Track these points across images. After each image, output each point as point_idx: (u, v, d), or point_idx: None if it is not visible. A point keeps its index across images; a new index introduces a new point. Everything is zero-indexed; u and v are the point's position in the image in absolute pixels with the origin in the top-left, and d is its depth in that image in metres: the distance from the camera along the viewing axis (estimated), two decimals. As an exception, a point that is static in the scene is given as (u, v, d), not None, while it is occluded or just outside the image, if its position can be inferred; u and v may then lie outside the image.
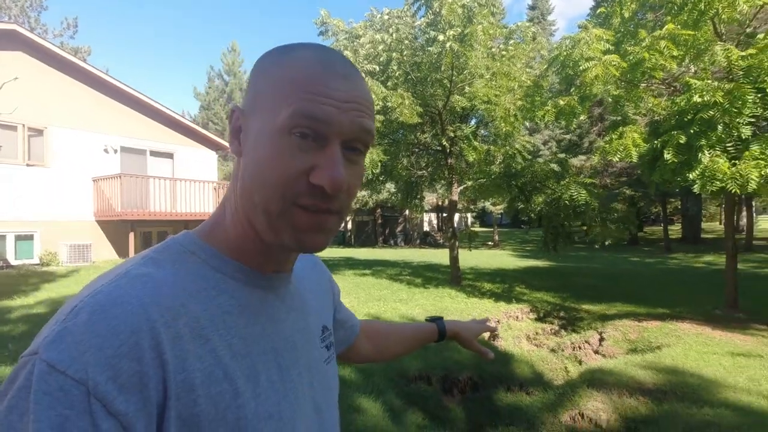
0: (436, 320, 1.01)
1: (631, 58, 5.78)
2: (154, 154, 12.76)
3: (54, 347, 0.38)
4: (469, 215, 31.12)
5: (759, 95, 5.03)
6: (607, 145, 6.22)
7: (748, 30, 6.13)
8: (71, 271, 9.43)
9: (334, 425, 0.61)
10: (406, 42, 7.72)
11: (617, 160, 6.21)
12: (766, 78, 4.86)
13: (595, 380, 4.09)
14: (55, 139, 10.65)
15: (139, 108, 12.34)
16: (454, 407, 4.14)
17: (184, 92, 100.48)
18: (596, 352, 5.74)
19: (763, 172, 4.85)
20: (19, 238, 10.18)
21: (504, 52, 8.03)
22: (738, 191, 4.95)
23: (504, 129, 7.44)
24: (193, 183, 12.22)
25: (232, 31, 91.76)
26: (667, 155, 5.33)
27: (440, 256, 15.52)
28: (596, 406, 3.77)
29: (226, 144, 15.25)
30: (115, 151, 11.78)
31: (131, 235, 10.88)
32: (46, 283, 8.13)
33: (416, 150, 9.72)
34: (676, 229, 25.84)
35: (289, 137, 0.45)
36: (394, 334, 0.96)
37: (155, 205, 11.29)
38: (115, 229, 11.46)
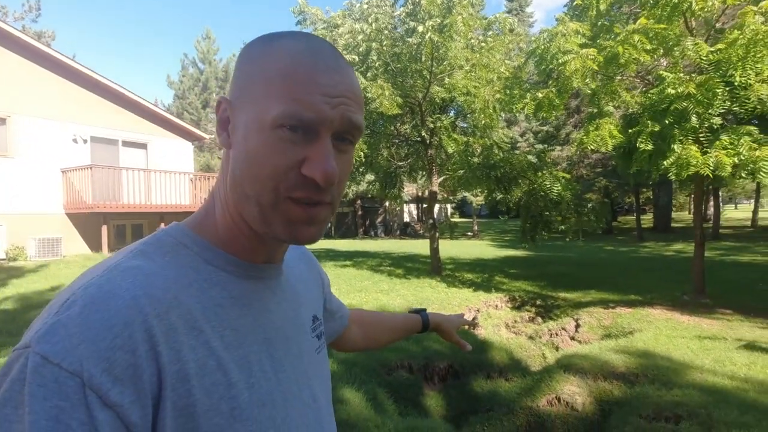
0: (420, 312, 1.04)
1: (606, 52, 5.89)
2: (126, 144, 12.36)
3: (47, 340, 0.38)
4: (448, 206, 31.39)
5: (728, 88, 5.22)
6: (585, 137, 6.35)
7: (717, 26, 6.31)
8: (40, 266, 9.10)
9: (329, 413, 0.62)
10: (386, 32, 7.66)
11: (594, 149, 6.35)
12: (734, 72, 5.03)
13: (571, 365, 4.21)
14: (19, 129, 10.18)
15: (110, 96, 11.90)
16: (435, 395, 4.20)
17: (157, 81, 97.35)
18: (572, 338, 5.91)
19: (732, 161, 5.05)
20: (-17, 232, 9.75)
21: (483, 44, 8.06)
22: (711, 175, 5.14)
23: (483, 120, 7.49)
24: (168, 174, 11.90)
25: (207, 17, 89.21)
26: (641, 144, 5.48)
27: (420, 247, 15.62)
28: (572, 390, 3.89)
29: (202, 134, 14.91)
30: (85, 141, 11.35)
31: (104, 228, 10.55)
32: (13, 279, 7.83)
33: (396, 141, 9.71)
34: (647, 219, 26.70)
35: (280, 130, 0.45)
36: (382, 324, 0.98)
37: (129, 197, 10.97)
38: (87, 222, 11.09)
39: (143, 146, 12.81)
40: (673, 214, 27.00)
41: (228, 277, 0.50)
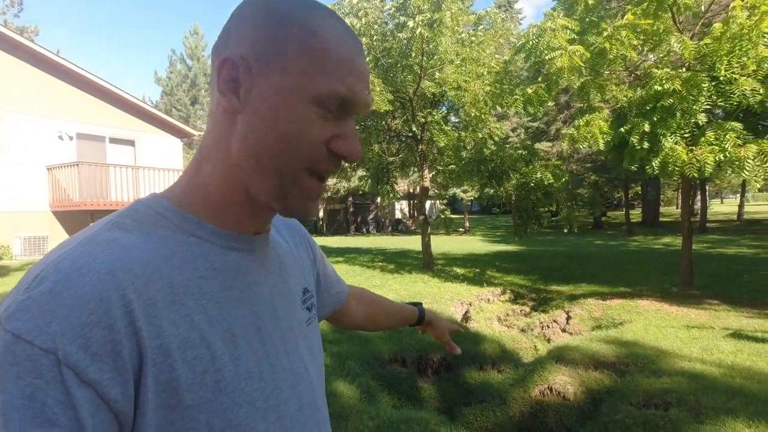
0: (417, 305, 1.04)
1: (594, 48, 5.93)
2: (113, 141, 12.18)
3: (18, 317, 0.37)
4: (437, 202, 31.47)
5: (713, 84, 5.28)
6: (575, 132, 6.39)
7: (704, 20, 6.38)
8: (26, 265, 8.95)
9: (321, 385, 0.62)
10: (376, 27, 7.63)
11: (586, 146, 6.40)
12: (719, 67, 5.10)
13: (563, 356, 4.26)
14: (2, 125, 9.98)
15: (96, 92, 11.70)
16: (428, 387, 4.22)
17: (145, 77, 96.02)
18: (564, 330, 5.97)
19: (716, 158, 5.12)
20: (-34, 231, 9.55)
21: (473, 38, 8.06)
22: (696, 175, 5.21)
23: (473, 114, 7.50)
24: (157, 171, 11.76)
25: (195, 13, 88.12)
26: (634, 141, 5.53)
27: (412, 243, 15.64)
28: (564, 380, 3.93)
29: (191, 131, 14.73)
30: (71, 138, 11.16)
31: (92, 227, 10.39)
32: (-2, 278, 7.69)
33: (387, 136, 9.69)
34: (636, 213, 27.04)
35: (317, 107, 0.45)
36: (383, 306, 0.98)
37: (117, 195, 10.82)
38: (74, 220, 10.92)
39: (131, 143, 12.64)
40: (661, 209, 27.36)
41: (211, 248, 0.49)
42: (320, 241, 19.10)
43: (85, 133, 11.47)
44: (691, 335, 4.57)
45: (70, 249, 0.41)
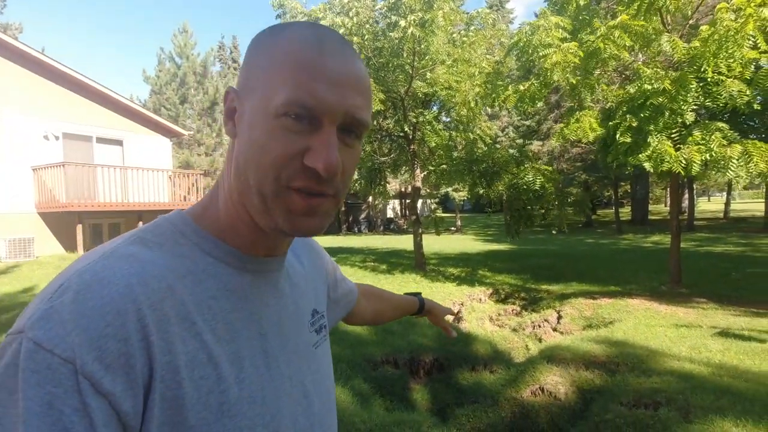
0: (416, 295, 1.10)
1: (587, 47, 5.97)
2: (101, 140, 11.99)
3: (41, 326, 0.38)
4: (430, 201, 31.52)
5: (701, 84, 5.34)
6: (566, 128, 6.44)
7: (691, 21, 6.45)
8: (11, 267, 8.78)
9: (328, 410, 0.60)
10: (367, 26, 7.59)
11: (575, 141, 6.44)
12: (707, 68, 5.15)
13: (554, 356, 4.28)
14: (-13, 125, 9.77)
15: (82, 91, 11.50)
16: (420, 388, 4.21)
17: (133, 76, 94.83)
18: (555, 329, 6.01)
19: (703, 157, 5.19)
20: (-51, 233, 9.34)
21: (465, 38, 8.07)
22: (682, 172, 5.27)
23: (465, 114, 7.51)
24: (145, 171, 11.61)
25: (184, 10, 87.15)
26: (620, 137, 5.58)
27: (404, 242, 15.65)
28: (555, 380, 3.94)
29: (181, 130, 14.58)
30: (57, 138, 10.96)
31: (79, 228, 10.23)
32: (-17, 281, 7.53)
33: (379, 136, 9.66)
34: (626, 212, 27.32)
35: (284, 119, 0.44)
36: (388, 299, 1.02)
37: (104, 196, 10.65)
38: (61, 222, 10.74)
39: (119, 143, 12.45)
40: (650, 207, 27.70)
41: (226, 268, 0.50)
42: (312, 240, 19.02)
43: (71, 133, 11.28)
44: (680, 334, 4.62)
45: (93, 261, 0.43)
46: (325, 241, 18.85)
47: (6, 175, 10.02)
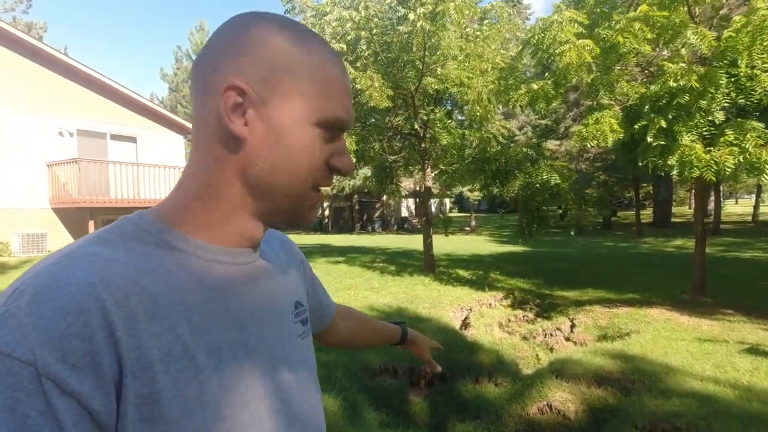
0: (400, 324, 1.06)
1: (604, 42, 5.62)
2: (114, 137, 12.09)
3: None
4: (447, 201, 31.16)
5: (732, 80, 4.96)
6: (584, 130, 6.09)
7: (722, 12, 6.03)
8: (24, 262, 8.88)
9: (313, 401, 0.59)
10: (376, 20, 7.36)
11: (594, 144, 6.09)
12: (740, 61, 4.76)
13: (564, 370, 4.00)
14: (2, 121, 9.91)
15: (97, 89, 11.61)
16: (419, 401, 3.99)
17: (153, 74, 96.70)
18: (567, 339, 5.70)
19: (736, 159, 4.80)
20: (-35, 227, 9.51)
21: (478, 33, 7.77)
22: (714, 179, 4.90)
23: (478, 112, 7.22)
24: (158, 168, 11.65)
25: (201, 9, 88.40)
26: (650, 139, 5.23)
27: (416, 242, 15.37)
28: (564, 396, 3.68)
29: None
30: (71, 135, 11.08)
31: (91, 224, 10.31)
32: (-6, 276, 7.61)
33: (389, 134, 9.44)
34: (647, 214, 26.46)
35: (321, 129, 0.49)
36: (367, 324, 0.99)
37: (117, 192, 10.72)
38: (73, 217, 10.85)
39: (133, 140, 12.54)
40: (674, 209, 26.77)
41: (197, 261, 0.49)
42: (323, 239, 18.94)
43: (85, 130, 11.39)
44: (704, 349, 4.28)
45: (50, 263, 0.42)
46: (337, 239, 18.74)
47: (22, 170, 10.15)
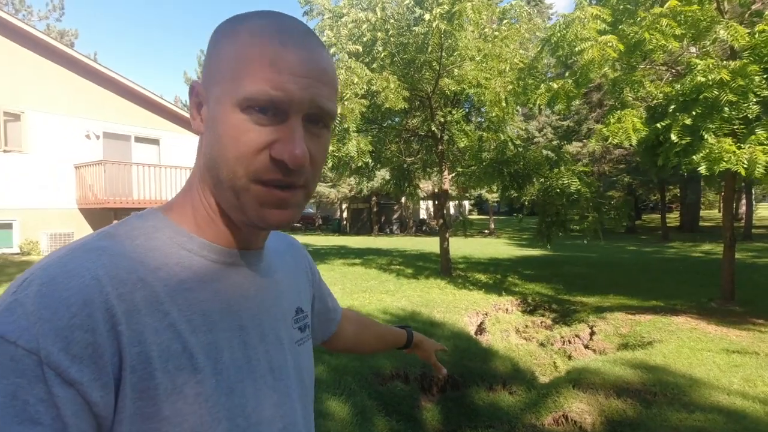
0: (405, 328, 1.04)
1: (629, 38, 5.45)
2: (138, 140, 12.40)
3: (3, 318, 0.38)
4: (466, 203, 30.87)
5: (765, 76, 4.73)
6: (606, 129, 5.92)
7: (754, 7, 5.77)
8: (51, 261, 9.18)
9: (309, 406, 0.60)
10: (392, 21, 7.33)
11: (616, 142, 5.90)
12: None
13: (582, 380, 3.86)
14: (33, 125, 10.28)
15: (123, 93, 11.93)
16: (431, 407, 3.91)
17: (178, 77, 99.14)
18: (586, 346, 5.53)
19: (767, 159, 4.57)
20: (-3, 226, 9.90)
21: (497, 33, 7.65)
22: (743, 173, 4.67)
23: (495, 113, 7.10)
24: (180, 170, 11.89)
25: (224, 14, 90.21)
26: (674, 137, 5.04)
27: (434, 245, 15.26)
28: (581, 408, 3.55)
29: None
30: (98, 137, 11.42)
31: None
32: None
33: (406, 136, 9.38)
34: (674, 217, 25.62)
35: (249, 112, 0.44)
36: (372, 329, 0.98)
37: (139, 193, 10.99)
38: (98, 218, 11.17)
39: (156, 142, 12.84)
40: (702, 213, 25.83)
41: (201, 261, 0.49)
42: (342, 240, 18.99)
43: (111, 132, 11.72)
44: (731, 361, 4.07)
45: (60, 255, 0.43)
46: (355, 241, 18.77)
47: (51, 172, 10.51)
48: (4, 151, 9.84)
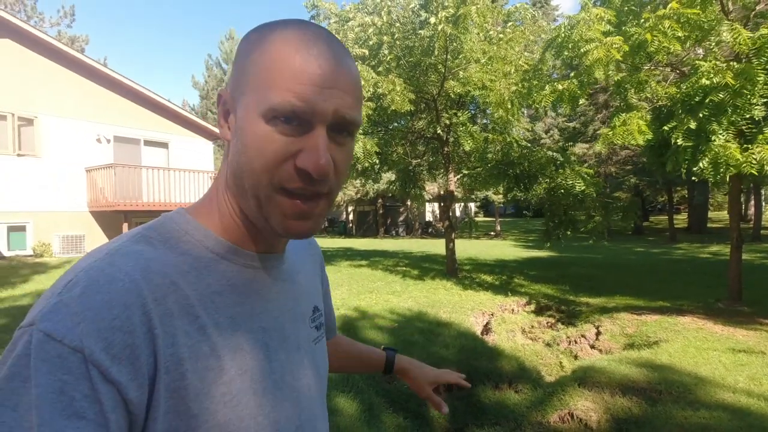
0: (390, 351, 0.92)
1: (633, 40, 5.48)
2: (148, 143, 12.59)
3: (50, 318, 0.40)
4: (472, 205, 30.84)
5: (770, 78, 4.74)
6: (611, 132, 5.94)
7: (758, 8, 5.78)
8: (64, 263, 9.34)
9: (323, 404, 0.62)
10: (398, 25, 7.41)
11: (621, 143, 5.93)
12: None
13: (587, 378, 3.90)
14: (46, 129, 10.49)
15: (133, 97, 12.13)
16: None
17: (185, 81, 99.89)
18: (592, 346, 5.55)
19: None
20: (11, 229, 10.10)
21: (501, 35, 7.71)
22: (755, 173, 4.68)
23: (500, 115, 7.16)
24: (188, 173, 12.05)
25: (230, 18, 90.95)
26: (678, 141, 5.06)
27: (440, 247, 15.30)
28: (587, 405, 3.58)
29: (222, 133, 15.05)
30: (108, 141, 11.61)
31: (125, 226, 10.76)
32: (36, 275, 8.04)
33: (412, 138, 9.45)
34: (682, 219, 25.44)
35: (274, 123, 0.45)
36: (348, 346, 0.92)
37: (149, 196, 11.15)
38: (109, 220, 11.34)
39: (164, 145, 13.02)
40: (710, 214, 25.61)
41: (228, 265, 0.51)
42: (347, 243, 19.08)
43: (121, 136, 11.91)
44: (737, 360, 4.08)
45: (99, 258, 0.45)
46: (361, 243, 18.84)
47: (63, 175, 10.71)
48: (18, 155, 10.04)
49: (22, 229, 10.21)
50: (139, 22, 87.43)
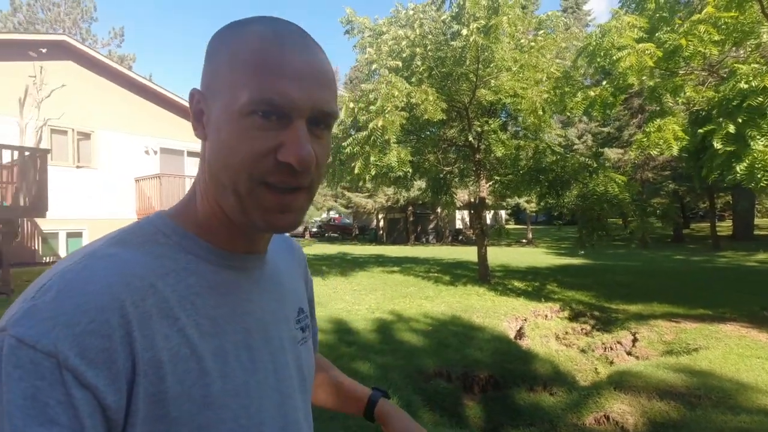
0: (379, 391, 0.81)
1: (667, 46, 5.47)
2: (191, 154, 13.28)
3: (22, 323, 0.39)
4: (503, 212, 30.52)
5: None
6: (645, 139, 5.91)
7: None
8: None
9: (307, 406, 0.61)
10: (430, 36, 7.63)
11: (657, 153, 5.88)
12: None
13: (624, 382, 3.92)
14: (101, 142, 11.30)
15: (176, 111, 12.87)
16: (474, 405, 4.08)
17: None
18: (629, 353, 5.50)
19: None
20: (69, 235, 10.89)
21: (533, 43, 7.79)
22: None
23: (531, 122, 7.22)
24: (227, 182, 12.58)
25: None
26: (717, 144, 5.00)
27: (471, 254, 15.27)
28: (623, 408, 3.61)
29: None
30: (155, 153, 12.35)
31: (170, 233, 11.35)
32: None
33: (443, 146, 9.61)
34: (726, 226, 24.29)
35: (252, 118, 0.45)
36: (329, 378, 0.83)
37: (191, 204, 11.72)
38: (155, 227, 11.98)
39: (205, 156, 13.67)
40: (757, 221, 24.33)
41: (207, 266, 0.51)
42: (379, 249, 19.30)
43: (167, 148, 12.65)
44: (782, 368, 4.00)
45: (74, 262, 0.44)
46: (392, 250, 19.02)
47: (116, 185, 11.49)
48: (77, 166, 10.86)
49: (79, 235, 11.00)
50: (179, 36, 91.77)
